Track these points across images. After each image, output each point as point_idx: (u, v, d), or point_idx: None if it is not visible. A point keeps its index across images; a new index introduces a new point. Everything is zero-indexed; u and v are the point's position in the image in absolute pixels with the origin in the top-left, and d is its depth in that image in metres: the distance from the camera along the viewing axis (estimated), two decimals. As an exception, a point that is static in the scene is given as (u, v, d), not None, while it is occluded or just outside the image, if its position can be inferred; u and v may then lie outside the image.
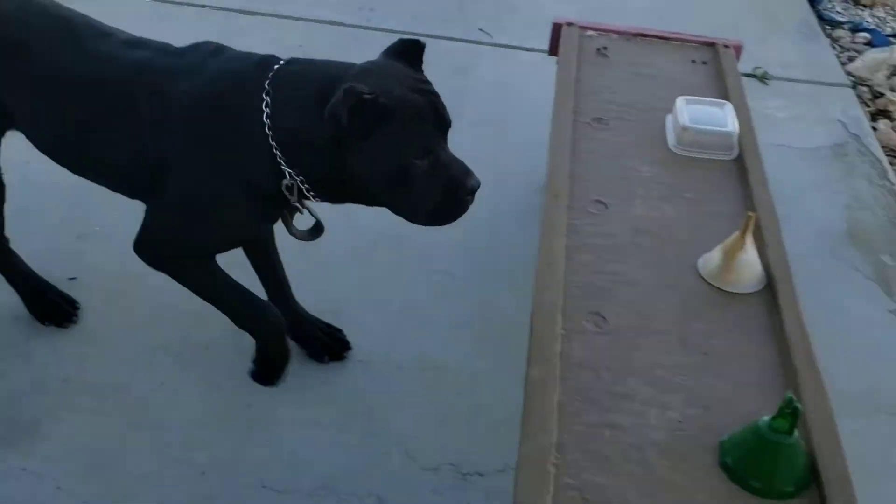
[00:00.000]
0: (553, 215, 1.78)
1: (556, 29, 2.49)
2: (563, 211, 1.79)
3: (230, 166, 1.58)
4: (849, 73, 3.67)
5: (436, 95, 1.53)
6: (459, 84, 3.00)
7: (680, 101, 2.07)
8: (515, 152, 2.75)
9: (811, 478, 1.26)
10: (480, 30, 3.54)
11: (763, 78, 3.43)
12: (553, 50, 2.49)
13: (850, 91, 3.50)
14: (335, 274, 2.27)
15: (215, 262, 1.73)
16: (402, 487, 1.76)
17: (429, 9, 3.61)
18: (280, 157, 1.52)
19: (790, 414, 1.22)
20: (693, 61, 2.39)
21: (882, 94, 3.55)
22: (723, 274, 1.63)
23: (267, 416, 1.89)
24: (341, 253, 2.28)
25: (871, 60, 3.74)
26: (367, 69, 1.53)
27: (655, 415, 1.38)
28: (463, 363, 2.05)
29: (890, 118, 3.43)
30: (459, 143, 1.62)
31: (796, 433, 1.24)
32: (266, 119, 1.51)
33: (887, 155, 3.11)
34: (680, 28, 2.65)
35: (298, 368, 2.00)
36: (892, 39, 3.98)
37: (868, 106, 3.49)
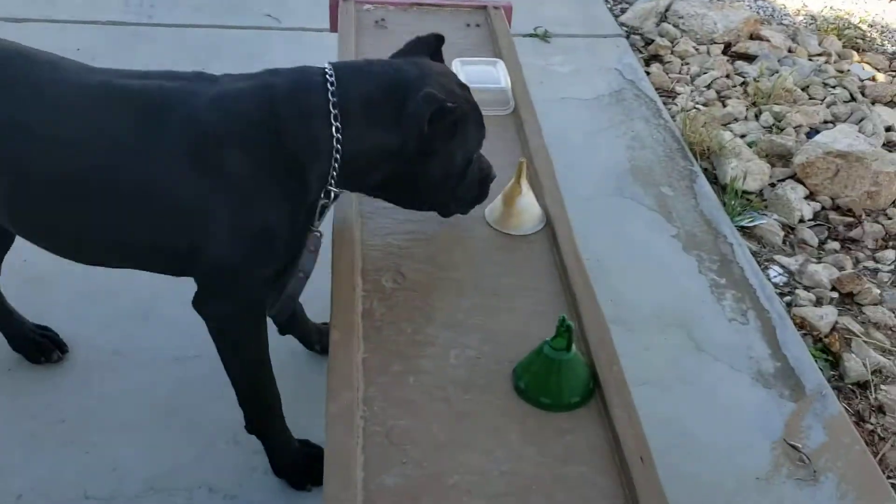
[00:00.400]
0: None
1: (334, 5, 2.52)
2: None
3: (288, 192, 1.49)
4: (622, 24, 3.95)
5: (468, 90, 1.62)
6: (253, 70, 2.97)
7: (456, 63, 2.17)
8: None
9: (594, 387, 1.39)
10: (268, 15, 3.52)
11: (544, 36, 3.62)
12: (334, 26, 2.52)
13: (625, 41, 3.77)
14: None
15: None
16: (231, 473, 1.76)
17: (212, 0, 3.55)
18: (335, 171, 1.49)
19: (565, 332, 1.33)
20: (468, 25, 2.50)
21: (652, 41, 3.84)
22: (506, 219, 1.74)
23: (82, 428, 1.83)
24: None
25: (640, 10, 4.03)
26: (422, 70, 1.53)
27: (455, 355, 1.46)
28: (281, 343, 2.06)
29: (661, 62, 3.73)
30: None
31: (574, 349, 1.36)
32: (336, 133, 1.46)
33: (661, 96, 3.38)
34: (458, -5, 2.76)
35: (109, 374, 1.96)
36: (657, -10, 4.30)
37: (641, 52, 3.77)
